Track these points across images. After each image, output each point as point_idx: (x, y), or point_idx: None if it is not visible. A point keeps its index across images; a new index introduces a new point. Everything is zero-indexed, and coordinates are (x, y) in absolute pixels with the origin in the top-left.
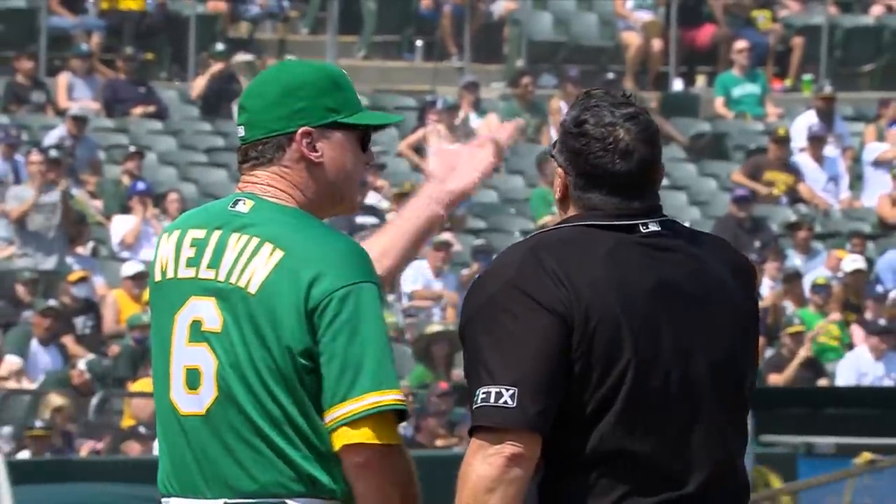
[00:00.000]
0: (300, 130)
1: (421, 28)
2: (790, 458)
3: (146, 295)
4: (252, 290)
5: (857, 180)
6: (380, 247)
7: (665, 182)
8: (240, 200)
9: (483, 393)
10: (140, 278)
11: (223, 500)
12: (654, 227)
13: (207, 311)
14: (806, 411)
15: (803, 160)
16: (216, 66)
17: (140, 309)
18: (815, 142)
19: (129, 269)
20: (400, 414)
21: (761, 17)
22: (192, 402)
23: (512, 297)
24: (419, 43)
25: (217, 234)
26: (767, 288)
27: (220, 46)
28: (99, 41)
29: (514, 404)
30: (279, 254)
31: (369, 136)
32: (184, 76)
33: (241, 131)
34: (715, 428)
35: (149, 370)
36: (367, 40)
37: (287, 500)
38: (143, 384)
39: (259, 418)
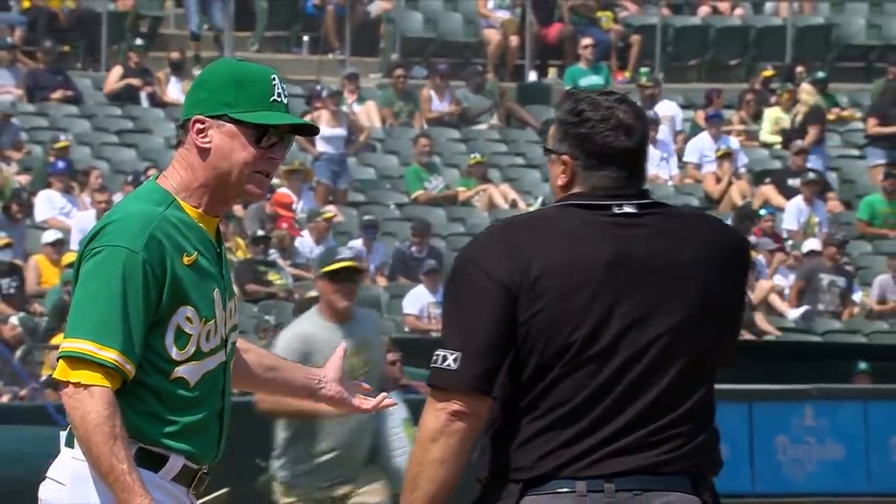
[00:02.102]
0: (193, 118)
1: (307, 25)
2: None
3: (65, 259)
4: None
5: (690, 156)
6: (275, 364)
7: (521, 161)
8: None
9: (436, 355)
10: (59, 245)
11: None
12: (627, 209)
13: None
14: None
15: None
16: (133, 58)
17: (59, 272)
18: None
19: (50, 236)
20: (112, 369)
21: (604, 17)
22: None
23: (468, 269)
24: (305, 38)
25: None
26: None
27: (138, 41)
28: (21, 35)
29: (457, 367)
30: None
31: (266, 134)
32: (96, 66)
33: None
34: (663, 391)
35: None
36: (259, 35)
37: None
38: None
39: None
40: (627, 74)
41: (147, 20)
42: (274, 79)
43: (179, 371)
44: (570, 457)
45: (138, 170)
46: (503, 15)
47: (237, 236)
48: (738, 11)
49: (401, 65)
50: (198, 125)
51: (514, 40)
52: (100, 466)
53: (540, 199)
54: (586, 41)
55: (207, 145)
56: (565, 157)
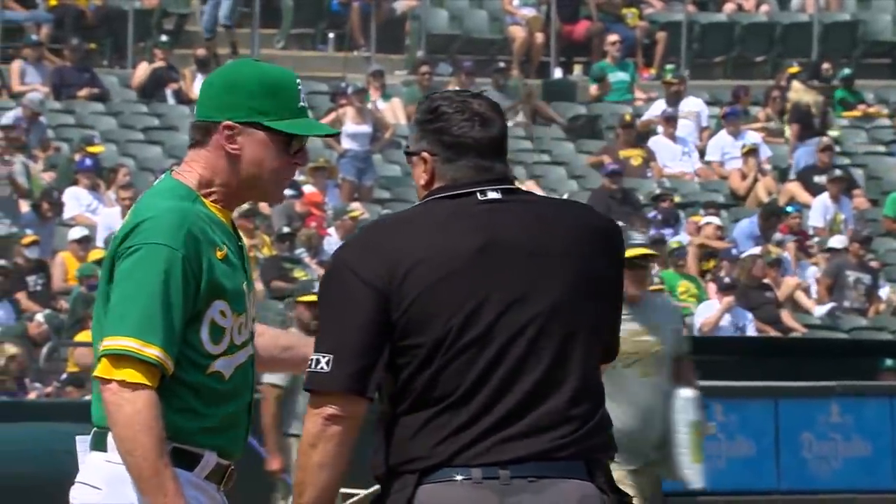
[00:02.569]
0: (223, 123)
1: (333, 22)
2: None
3: (91, 255)
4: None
5: (712, 155)
6: (291, 343)
7: (546, 158)
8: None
9: (310, 359)
10: (85, 242)
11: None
12: (492, 195)
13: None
14: None
15: (660, 139)
16: (159, 55)
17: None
18: (667, 122)
19: (76, 233)
20: (156, 366)
21: (630, 14)
22: None
23: (339, 273)
24: (331, 35)
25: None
26: None
27: (163, 38)
28: (48, 32)
29: (329, 369)
30: (128, 216)
31: (292, 140)
32: (123, 64)
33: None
34: (546, 371)
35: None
36: (285, 33)
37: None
38: (87, 335)
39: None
40: (653, 71)
41: (173, 17)
42: (298, 84)
43: (216, 365)
44: (462, 444)
45: (164, 167)
46: (528, 12)
47: (263, 233)
48: (764, 8)
49: (426, 62)
50: (227, 131)
51: (539, 37)
52: (143, 468)
53: (566, 196)
54: (612, 38)
55: (237, 151)
56: (425, 155)
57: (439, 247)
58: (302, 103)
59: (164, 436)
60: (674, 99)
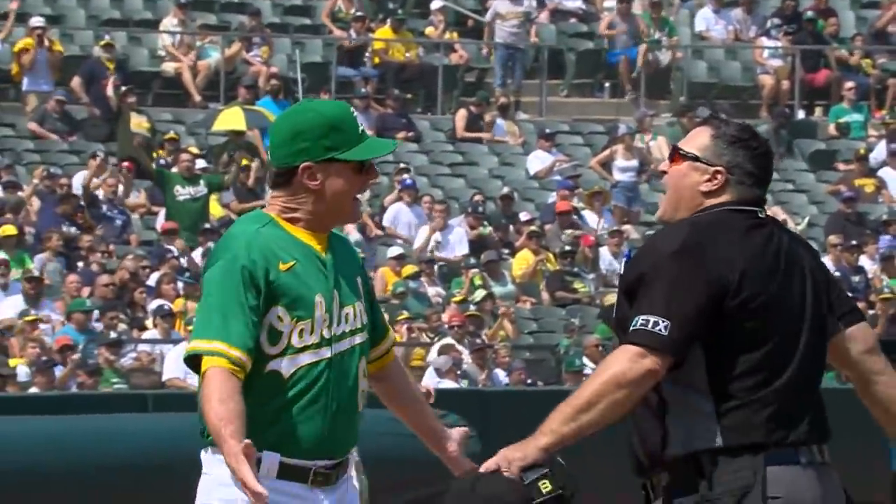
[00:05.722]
0: (302, 165)
1: (608, 73)
2: None
3: (405, 270)
4: None
5: None
6: (435, 428)
7: (791, 187)
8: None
9: (642, 319)
10: (401, 259)
11: None
12: (761, 216)
13: None
14: None
15: (888, 171)
16: (472, 106)
17: (400, 281)
18: (892, 157)
19: (394, 251)
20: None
21: (864, 63)
22: None
23: (680, 258)
24: (606, 84)
25: None
26: (868, 265)
27: (482, 92)
28: (373, 85)
29: (666, 333)
30: None
31: (364, 162)
32: (433, 110)
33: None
34: (812, 364)
35: None
36: (568, 83)
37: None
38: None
39: None
40: (885, 112)
41: (475, 71)
42: (352, 111)
43: (272, 365)
44: (788, 425)
45: (467, 195)
46: (776, 63)
47: (547, 250)
48: None
49: (688, 106)
50: (307, 171)
51: (785, 84)
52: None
53: (806, 220)
54: (848, 84)
55: (318, 186)
56: (721, 168)
57: (754, 250)
58: (361, 127)
59: (228, 405)
60: (893, 137)
